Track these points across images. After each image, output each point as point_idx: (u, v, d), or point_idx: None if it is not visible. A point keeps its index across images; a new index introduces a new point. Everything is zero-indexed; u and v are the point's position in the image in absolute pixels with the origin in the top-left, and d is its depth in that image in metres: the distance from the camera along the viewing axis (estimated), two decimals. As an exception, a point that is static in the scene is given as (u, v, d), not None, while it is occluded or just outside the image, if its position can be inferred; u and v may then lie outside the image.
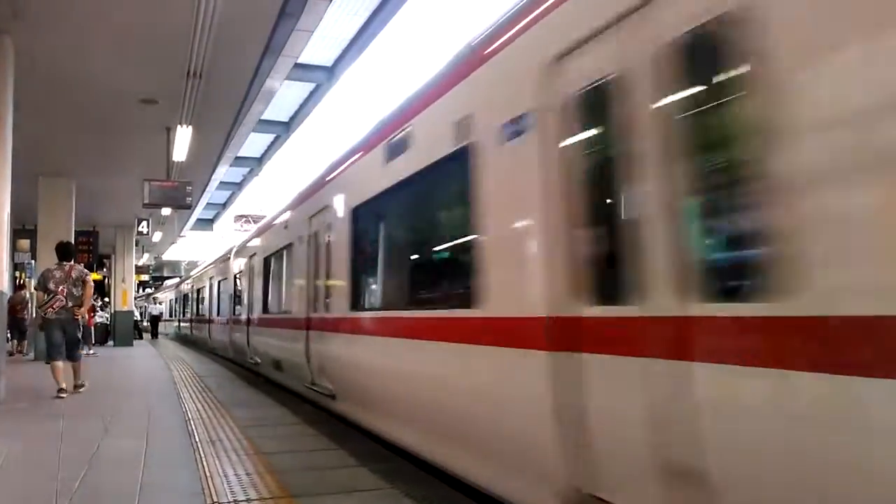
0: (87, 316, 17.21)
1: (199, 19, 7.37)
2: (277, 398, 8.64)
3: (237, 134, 12.95)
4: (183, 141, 11.55)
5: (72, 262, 8.97)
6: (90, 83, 9.63)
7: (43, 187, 14.77)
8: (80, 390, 8.76)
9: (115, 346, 21.30)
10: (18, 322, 15.63)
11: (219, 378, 11.59)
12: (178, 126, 10.97)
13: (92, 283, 9.17)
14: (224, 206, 27.07)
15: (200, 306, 20.64)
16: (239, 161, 17.79)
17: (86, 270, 9.15)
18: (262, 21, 8.07)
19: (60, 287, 8.65)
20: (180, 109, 10.21)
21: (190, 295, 24.99)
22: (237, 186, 23.32)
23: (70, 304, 8.67)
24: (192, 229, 28.43)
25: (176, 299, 27.06)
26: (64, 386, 8.44)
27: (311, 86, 13.65)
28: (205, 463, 4.84)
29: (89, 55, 8.72)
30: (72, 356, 8.76)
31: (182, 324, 19.57)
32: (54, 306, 8.60)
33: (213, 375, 12.08)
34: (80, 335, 9.02)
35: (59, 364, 8.52)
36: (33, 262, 17.26)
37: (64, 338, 8.61)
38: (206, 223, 29.57)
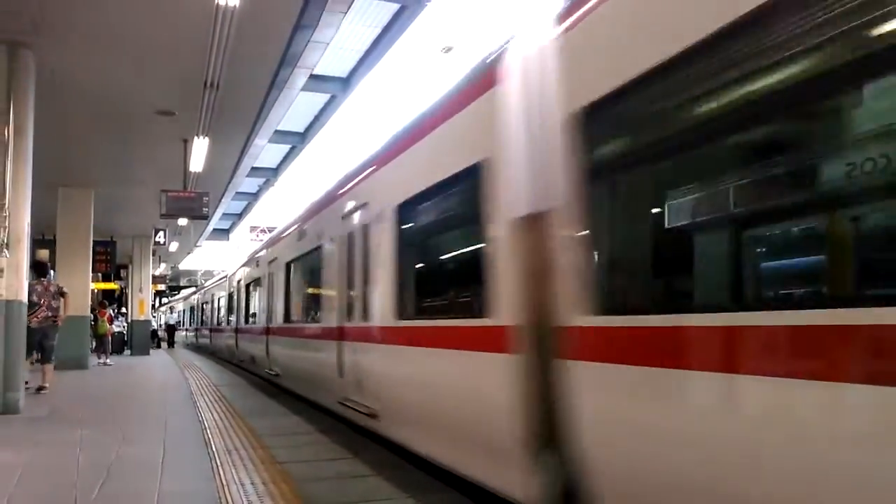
0: (107, 326, 17.55)
1: (216, 32, 7.47)
2: (292, 407, 8.67)
3: (253, 144, 13.06)
4: (200, 152, 11.68)
5: (49, 278, 10.14)
6: (109, 95, 9.78)
7: (62, 197, 14.98)
8: (43, 392, 9.38)
9: (132, 354, 21.50)
10: None
11: (234, 387, 11.65)
12: (195, 137, 11.11)
13: (69, 296, 10.23)
14: (240, 216, 27.26)
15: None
16: (255, 171, 17.94)
17: (61, 285, 10.32)
18: (278, 33, 8.16)
19: (42, 300, 9.71)
20: (197, 121, 10.34)
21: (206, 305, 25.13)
22: (253, 197, 23.49)
23: (50, 314, 9.82)
24: (208, 239, 28.66)
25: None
26: (47, 385, 9.64)
27: (326, 96, 13.76)
28: (221, 472, 4.86)
29: (108, 68, 8.87)
30: (47, 359, 9.89)
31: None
32: (38, 316, 9.61)
33: (229, 385, 12.15)
34: (54, 342, 10.03)
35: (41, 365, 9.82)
36: (52, 272, 17.40)
37: (42, 343, 9.78)
38: (222, 233, 29.80)
